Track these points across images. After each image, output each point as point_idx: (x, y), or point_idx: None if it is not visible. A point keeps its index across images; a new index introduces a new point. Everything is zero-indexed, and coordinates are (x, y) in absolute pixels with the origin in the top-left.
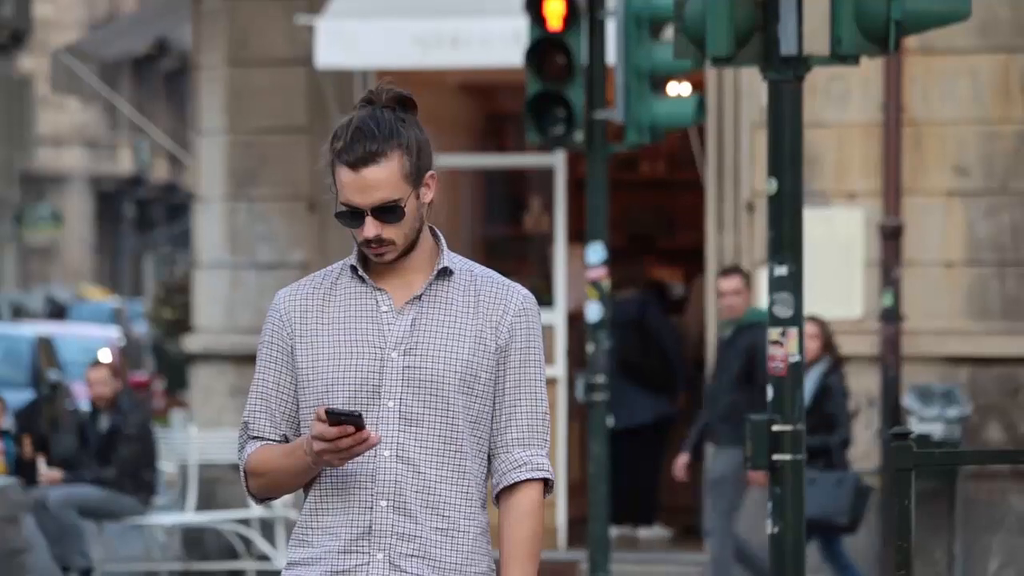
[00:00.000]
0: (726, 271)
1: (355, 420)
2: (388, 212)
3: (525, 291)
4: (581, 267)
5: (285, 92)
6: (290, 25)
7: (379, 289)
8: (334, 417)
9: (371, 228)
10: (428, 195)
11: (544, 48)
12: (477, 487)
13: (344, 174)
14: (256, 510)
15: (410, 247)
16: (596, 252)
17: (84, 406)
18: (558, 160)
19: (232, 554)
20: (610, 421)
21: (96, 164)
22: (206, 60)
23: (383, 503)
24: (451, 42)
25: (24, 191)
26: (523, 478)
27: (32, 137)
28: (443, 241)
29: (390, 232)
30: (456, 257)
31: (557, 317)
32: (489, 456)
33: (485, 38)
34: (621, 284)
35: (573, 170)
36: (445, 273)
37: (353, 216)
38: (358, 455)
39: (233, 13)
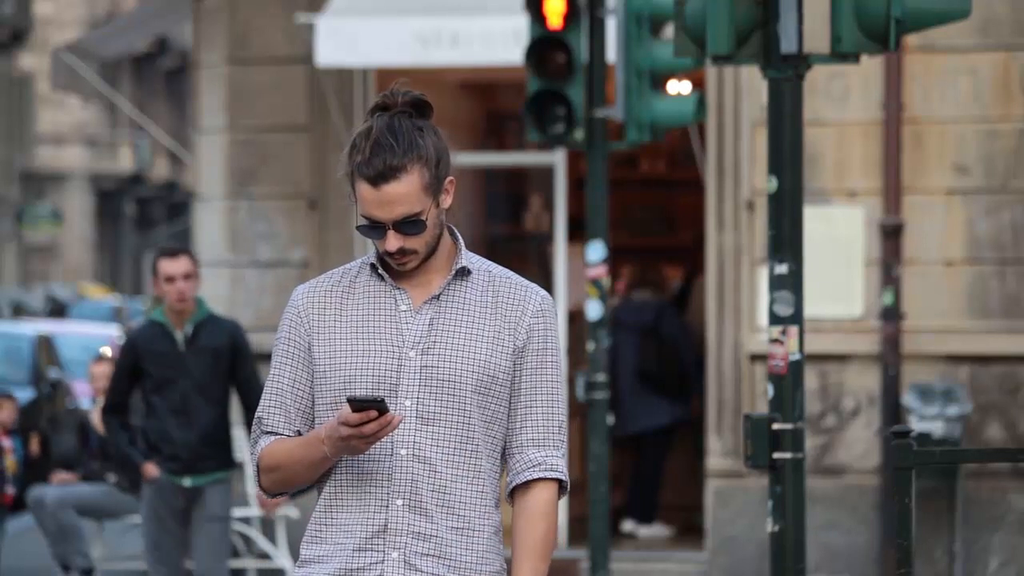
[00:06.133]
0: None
1: (378, 405)
2: (410, 225)
3: (543, 292)
4: (581, 265)
5: (285, 90)
6: (290, 23)
7: (398, 288)
8: (357, 404)
9: (393, 241)
10: (447, 200)
11: (544, 46)
12: (491, 486)
13: (364, 189)
14: (257, 508)
15: (431, 252)
16: (596, 250)
17: (84, 404)
18: (558, 158)
19: (233, 552)
20: (610, 420)
21: (96, 162)
22: (206, 58)
23: (399, 502)
24: (451, 40)
25: (24, 189)
26: (536, 477)
27: (32, 135)
28: (461, 241)
29: (412, 243)
30: (474, 257)
31: (557, 316)
32: (505, 456)
33: (485, 36)
34: (636, 285)
35: (573, 168)
36: (463, 273)
37: (375, 229)
38: (383, 438)
39: (233, 11)
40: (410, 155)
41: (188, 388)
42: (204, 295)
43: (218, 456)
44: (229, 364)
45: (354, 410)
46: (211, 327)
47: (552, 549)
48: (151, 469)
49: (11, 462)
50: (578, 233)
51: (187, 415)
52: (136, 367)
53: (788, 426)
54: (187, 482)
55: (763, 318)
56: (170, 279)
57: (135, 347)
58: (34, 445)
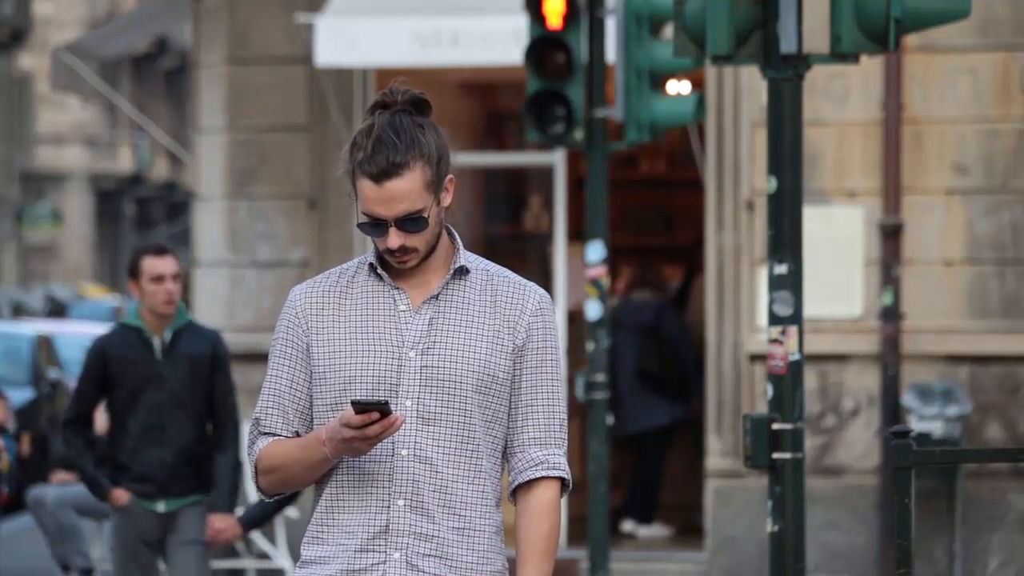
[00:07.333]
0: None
1: (381, 407)
2: (411, 222)
3: (541, 291)
4: (581, 266)
5: (285, 90)
6: (290, 23)
7: (397, 288)
8: (360, 407)
9: (395, 239)
10: (448, 199)
11: (544, 46)
12: (492, 486)
13: (366, 186)
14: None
15: (430, 251)
16: (596, 250)
17: None
18: (558, 158)
19: (232, 552)
20: (609, 420)
21: (96, 162)
22: (206, 58)
23: (400, 502)
24: (451, 40)
25: (24, 189)
26: (538, 476)
27: (32, 135)
28: (459, 240)
29: (413, 241)
30: (472, 256)
31: (557, 316)
32: (506, 455)
33: (485, 36)
34: (636, 285)
35: (573, 168)
36: (461, 272)
37: (376, 226)
38: (385, 439)
39: (233, 11)
40: (412, 152)
41: (164, 400)
42: (203, 295)
43: (196, 477)
44: (208, 376)
45: (357, 412)
46: (191, 334)
47: (556, 547)
48: (120, 495)
49: (5, 462)
50: (578, 233)
51: (162, 430)
52: (104, 376)
53: (788, 426)
54: (161, 507)
55: (763, 318)
56: (159, 278)
57: (104, 354)
58: (24, 445)
